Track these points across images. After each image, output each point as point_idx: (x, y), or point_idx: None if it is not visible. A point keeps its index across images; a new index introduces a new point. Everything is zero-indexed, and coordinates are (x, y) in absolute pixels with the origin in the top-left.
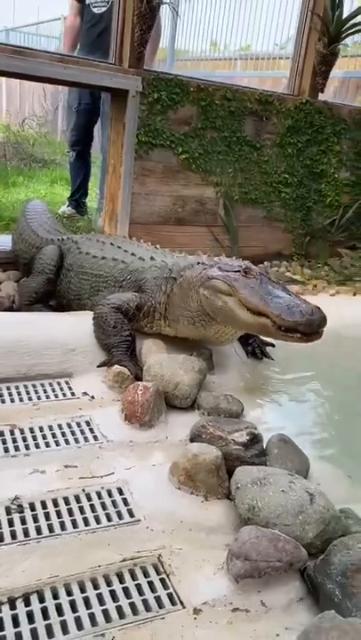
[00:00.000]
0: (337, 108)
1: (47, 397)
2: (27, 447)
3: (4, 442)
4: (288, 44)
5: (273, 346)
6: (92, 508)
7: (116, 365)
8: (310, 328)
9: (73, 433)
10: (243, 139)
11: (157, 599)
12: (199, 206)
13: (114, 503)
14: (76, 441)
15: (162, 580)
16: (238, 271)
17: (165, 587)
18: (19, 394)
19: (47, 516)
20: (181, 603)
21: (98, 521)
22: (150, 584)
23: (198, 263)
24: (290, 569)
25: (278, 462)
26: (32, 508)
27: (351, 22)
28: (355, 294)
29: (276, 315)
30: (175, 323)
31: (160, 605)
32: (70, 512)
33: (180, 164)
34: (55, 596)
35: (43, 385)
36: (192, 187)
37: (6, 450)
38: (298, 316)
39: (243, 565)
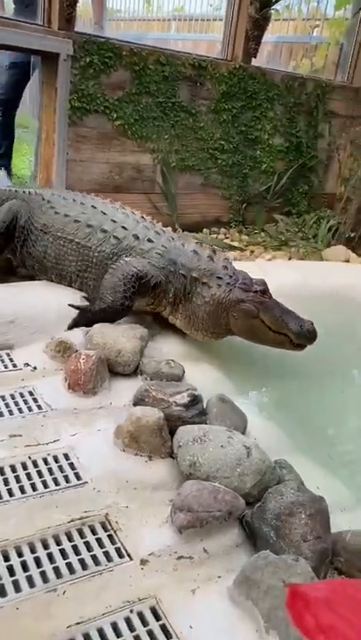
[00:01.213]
0: (270, 73)
1: None
2: None
3: None
4: (222, 5)
5: None
6: (40, 474)
7: (61, 335)
8: (313, 342)
9: (17, 404)
10: (178, 104)
11: (106, 554)
12: (136, 173)
13: (60, 468)
14: (20, 411)
15: (109, 537)
16: (257, 291)
17: (113, 542)
18: None
19: None
20: (129, 555)
21: (45, 486)
22: (99, 541)
23: (209, 258)
24: (229, 517)
25: (218, 420)
26: None
27: None
28: (290, 259)
29: (295, 335)
30: (186, 321)
31: (109, 559)
32: (18, 479)
33: (116, 131)
34: (6, 559)
35: None
36: (128, 153)
37: None
38: (310, 336)
39: (185, 517)
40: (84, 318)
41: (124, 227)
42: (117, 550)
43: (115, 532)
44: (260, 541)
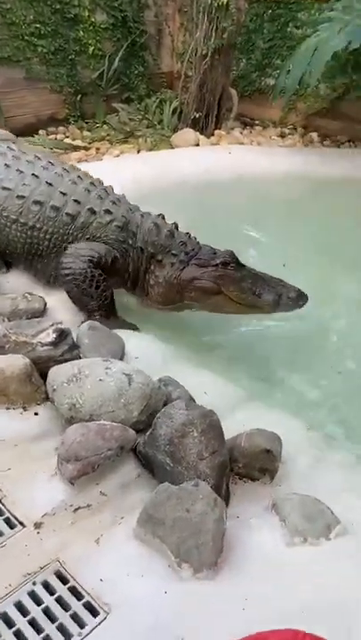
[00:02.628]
0: None
1: None
2: None
3: None
4: None
5: None
6: None
7: None
8: (301, 306)
9: None
10: None
11: None
12: None
13: None
14: None
15: None
16: (217, 265)
17: (0, 513)
18: None
19: None
20: (21, 523)
21: None
22: None
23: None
24: (122, 452)
25: (92, 352)
26: None
27: None
28: (139, 151)
29: (271, 307)
30: (140, 300)
31: None
32: None
33: None
34: None
35: None
36: None
37: None
38: (294, 304)
39: (74, 467)
40: None
41: (77, 200)
42: (7, 521)
43: (0, 500)
44: (157, 469)
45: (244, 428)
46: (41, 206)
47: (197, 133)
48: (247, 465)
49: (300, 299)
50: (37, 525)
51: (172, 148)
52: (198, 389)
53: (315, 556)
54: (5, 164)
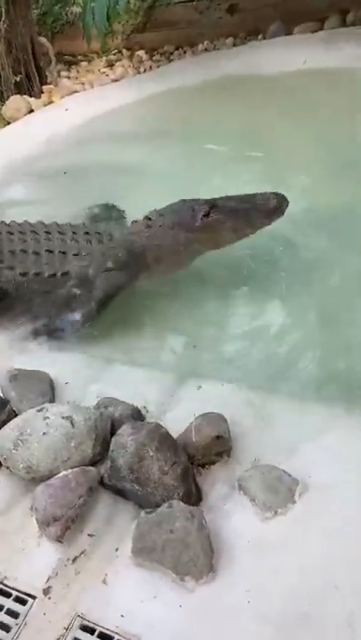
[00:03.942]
0: None
1: None
2: None
3: None
4: None
5: None
6: None
7: None
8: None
9: None
10: None
11: (9, 612)
12: None
13: None
14: None
15: None
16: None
17: (7, 595)
18: None
19: None
20: (31, 596)
21: None
22: None
23: None
24: (92, 493)
25: (22, 402)
26: None
27: None
28: None
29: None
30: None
31: (14, 615)
32: None
33: None
34: None
35: None
36: None
37: None
38: (280, 204)
39: (56, 527)
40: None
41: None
42: (17, 600)
43: (1, 582)
44: (129, 495)
45: (195, 413)
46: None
47: (26, 97)
48: (205, 455)
49: (280, 202)
50: (46, 591)
51: (7, 122)
52: (136, 391)
53: (288, 527)
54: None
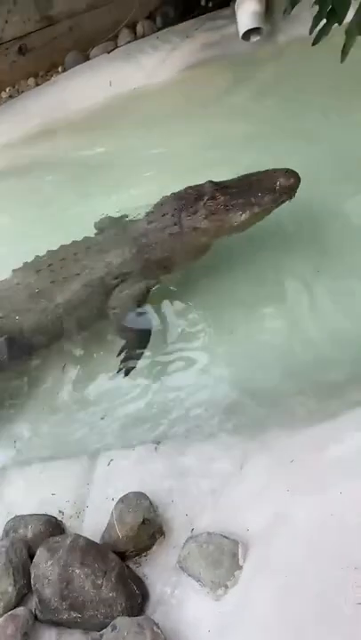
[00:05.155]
0: None
1: None
2: None
3: None
4: None
5: None
6: None
7: None
8: (298, 177)
9: None
10: None
11: None
12: None
13: None
14: None
15: None
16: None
17: None
18: None
19: None
20: None
21: None
22: None
23: None
24: (31, 635)
25: None
26: None
27: None
28: None
29: (287, 196)
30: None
31: None
32: None
33: None
34: None
35: None
36: None
37: None
38: (294, 180)
39: None
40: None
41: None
42: None
43: None
44: (70, 624)
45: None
46: None
47: None
48: (136, 545)
49: (292, 178)
50: None
51: None
52: (47, 492)
53: (243, 597)
54: None
